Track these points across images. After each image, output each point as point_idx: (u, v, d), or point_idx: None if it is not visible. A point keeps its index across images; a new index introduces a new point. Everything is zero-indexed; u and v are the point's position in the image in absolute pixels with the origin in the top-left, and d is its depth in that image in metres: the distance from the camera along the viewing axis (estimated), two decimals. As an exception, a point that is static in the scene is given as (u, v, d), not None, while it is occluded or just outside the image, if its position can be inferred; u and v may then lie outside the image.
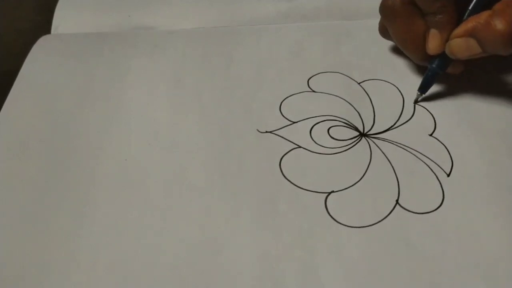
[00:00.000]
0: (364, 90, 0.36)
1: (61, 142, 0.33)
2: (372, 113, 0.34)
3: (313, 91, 0.36)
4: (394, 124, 0.33)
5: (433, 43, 0.33)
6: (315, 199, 0.29)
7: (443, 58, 0.33)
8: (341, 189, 0.30)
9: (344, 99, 0.35)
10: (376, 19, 0.36)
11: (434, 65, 0.34)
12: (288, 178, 0.30)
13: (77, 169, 0.31)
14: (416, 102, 0.35)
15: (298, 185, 0.30)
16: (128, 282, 0.26)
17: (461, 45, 0.31)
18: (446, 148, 0.32)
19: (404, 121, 0.34)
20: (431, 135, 0.33)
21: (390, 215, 0.29)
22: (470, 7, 0.32)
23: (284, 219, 0.28)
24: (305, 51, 0.39)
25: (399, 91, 0.35)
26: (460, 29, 0.31)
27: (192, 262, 0.27)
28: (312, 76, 0.37)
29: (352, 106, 0.35)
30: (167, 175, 0.31)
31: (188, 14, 0.43)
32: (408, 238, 0.27)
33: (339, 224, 0.28)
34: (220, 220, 0.29)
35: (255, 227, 0.28)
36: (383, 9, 0.34)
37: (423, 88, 0.34)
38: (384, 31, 0.36)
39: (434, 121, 0.33)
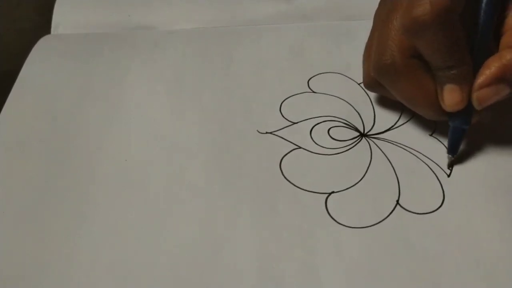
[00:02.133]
0: (364, 90, 0.36)
1: (61, 142, 0.33)
2: (372, 113, 0.34)
3: (313, 92, 0.36)
4: (394, 124, 0.33)
5: (453, 100, 0.28)
6: (316, 199, 0.29)
7: (465, 111, 0.29)
8: (341, 189, 0.30)
9: (344, 100, 0.35)
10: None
11: (456, 123, 0.30)
12: (288, 179, 0.30)
13: (77, 169, 0.31)
14: (450, 166, 0.31)
15: (299, 186, 0.30)
16: (128, 282, 0.26)
17: (490, 93, 0.28)
18: (446, 148, 0.32)
19: (404, 121, 0.34)
20: (431, 135, 0.33)
21: (391, 215, 0.29)
22: (475, 50, 0.28)
23: (284, 220, 0.28)
24: (305, 51, 0.39)
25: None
26: (485, 77, 0.27)
27: (192, 262, 0.27)
28: (312, 76, 0.37)
29: (352, 106, 0.35)
30: (167, 175, 0.31)
31: (188, 14, 0.43)
32: (408, 238, 0.27)
33: (339, 225, 0.28)
34: (220, 220, 0.29)
35: (255, 227, 0.28)
36: (381, 68, 0.30)
37: (453, 150, 0.31)
38: (372, 85, 0.33)
39: (435, 121, 0.33)
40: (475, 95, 0.28)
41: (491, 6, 0.28)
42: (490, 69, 0.27)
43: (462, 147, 0.31)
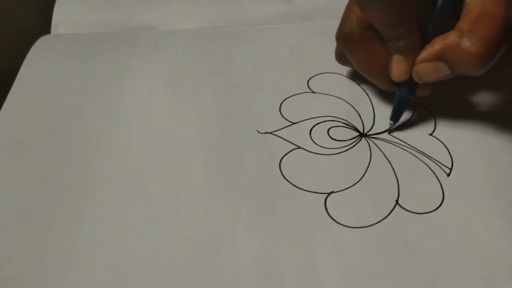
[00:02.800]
0: (364, 90, 0.36)
1: (60, 142, 0.33)
2: (372, 113, 0.34)
3: (313, 92, 0.36)
4: (394, 124, 0.33)
5: (398, 70, 0.31)
6: (315, 199, 0.29)
7: (410, 83, 0.31)
8: (341, 189, 0.30)
9: (344, 100, 0.35)
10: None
11: (402, 92, 0.32)
12: (288, 179, 0.30)
13: (76, 169, 0.31)
14: (390, 132, 0.33)
15: (298, 186, 0.30)
16: (127, 282, 0.26)
17: (429, 69, 0.29)
18: (446, 148, 0.32)
19: (404, 121, 0.34)
20: (431, 135, 0.33)
21: (390, 215, 0.29)
22: (429, 27, 0.29)
23: (284, 220, 0.28)
24: (305, 51, 0.39)
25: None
26: (427, 53, 0.29)
27: (192, 262, 0.27)
28: (312, 76, 0.37)
29: (352, 106, 0.35)
30: (166, 175, 0.31)
31: (188, 14, 0.43)
32: (408, 238, 0.27)
33: (339, 225, 0.28)
34: (220, 220, 0.29)
35: (255, 227, 0.28)
36: (341, 37, 0.32)
37: (395, 117, 0.33)
38: (341, 58, 0.34)
39: (434, 121, 0.33)
40: (415, 68, 0.30)
41: None
42: (433, 46, 0.29)
43: (461, 146, 0.31)
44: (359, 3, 0.30)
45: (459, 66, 0.28)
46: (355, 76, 0.37)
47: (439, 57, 0.29)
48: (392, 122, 0.33)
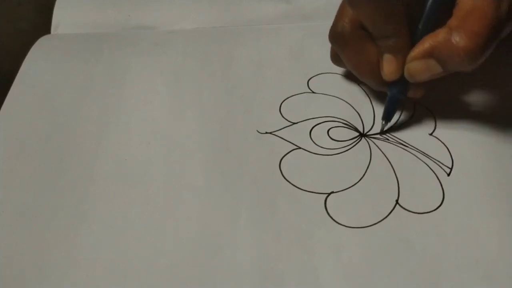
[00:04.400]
0: (364, 90, 0.36)
1: (60, 142, 0.33)
2: (372, 113, 0.34)
3: (313, 92, 0.36)
4: (394, 124, 0.33)
5: (389, 69, 0.30)
6: (315, 199, 0.29)
7: (402, 82, 0.31)
8: (341, 189, 0.30)
9: (344, 100, 0.35)
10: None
11: (393, 92, 0.32)
12: (288, 179, 0.30)
13: (76, 168, 0.31)
14: (382, 132, 0.33)
15: (298, 186, 0.30)
16: (127, 282, 0.26)
17: (420, 67, 0.29)
18: (447, 148, 0.32)
19: (404, 121, 0.34)
20: (431, 134, 0.33)
21: (390, 215, 0.29)
22: (420, 26, 0.30)
23: (284, 220, 0.28)
24: (305, 51, 0.39)
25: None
26: (417, 51, 0.29)
27: (192, 262, 0.27)
28: (312, 76, 0.37)
29: (352, 106, 0.35)
30: (166, 175, 0.31)
31: (188, 14, 0.43)
32: (408, 238, 0.27)
33: (338, 225, 0.28)
34: (220, 220, 0.29)
35: (255, 227, 0.28)
36: (333, 36, 0.32)
37: (387, 117, 0.32)
38: (336, 58, 0.35)
39: (434, 120, 0.33)
40: (406, 66, 0.30)
41: None
42: (424, 44, 0.29)
43: (461, 145, 0.31)
44: (349, 2, 0.30)
45: (449, 62, 0.28)
46: (355, 77, 0.36)
47: (429, 54, 0.28)
48: (383, 122, 0.33)
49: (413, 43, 0.30)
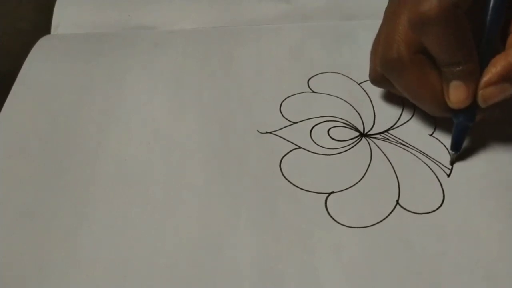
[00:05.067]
0: (364, 90, 0.36)
1: (61, 142, 0.33)
2: (372, 113, 0.34)
3: (313, 92, 0.36)
4: (394, 124, 0.33)
5: (459, 96, 0.28)
6: (315, 199, 0.29)
7: (469, 108, 0.29)
8: (341, 189, 0.30)
9: (344, 100, 0.35)
10: (376, 20, 0.35)
11: (460, 119, 0.30)
12: (288, 179, 0.30)
13: (77, 169, 0.31)
14: (453, 163, 0.31)
15: (298, 186, 0.30)
16: (127, 282, 0.26)
17: (494, 91, 0.28)
18: (447, 148, 0.32)
19: (404, 121, 0.34)
20: (431, 135, 0.33)
21: (390, 215, 0.28)
22: (481, 48, 0.28)
23: (284, 219, 0.28)
24: (305, 51, 0.39)
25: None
26: (491, 76, 0.27)
27: (192, 262, 0.27)
28: (312, 76, 0.37)
29: (352, 106, 0.35)
30: (167, 175, 0.31)
31: (188, 14, 0.43)
32: (408, 238, 0.27)
33: (339, 225, 0.28)
34: (220, 220, 0.29)
35: (255, 227, 0.28)
36: (387, 62, 0.30)
37: (457, 146, 0.31)
38: (379, 80, 0.33)
39: (435, 121, 0.33)
40: (480, 93, 0.28)
41: (500, 4, 0.28)
42: (496, 67, 0.27)
43: (463, 146, 0.31)
44: (415, 28, 0.28)
45: None
46: (355, 76, 0.37)
47: (505, 77, 0.27)
48: (453, 152, 0.31)
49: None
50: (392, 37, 0.29)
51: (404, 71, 0.29)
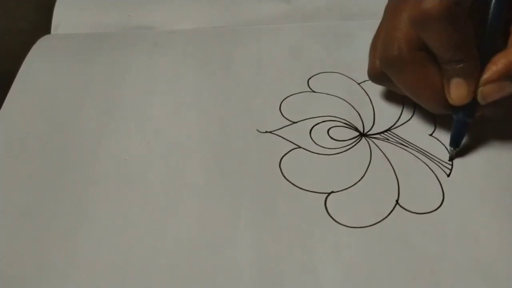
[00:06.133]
0: (364, 90, 0.36)
1: (60, 142, 0.33)
2: (372, 113, 0.34)
3: (313, 91, 0.36)
4: (394, 124, 0.33)
5: (459, 93, 0.29)
6: (315, 199, 0.29)
7: (469, 105, 0.29)
8: (341, 189, 0.30)
9: (344, 99, 0.35)
10: (376, 20, 0.35)
11: (460, 116, 0.30)
12: (288, 179, 0.30)
13: (76, 168, 0.31)
14: (451, 159, 0.31)
15: (298, 185, 0.30)
16: (127, 282, 0.26)
17: (494, 89, 0.28)
18: (446, 148, 0.32)
19: (404, 121, 0.34)
20: (431, 135, 0.33)
21: (390, 215, 0.29)
22: (482, 46, 0.28)
23: (284, 219, 0.28)
24: (305, 51, 0.39)
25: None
26: (491, 73, 0.28)
27: (192, 262, 0.27)
28: (312, 76, 0.37)
29: (352, 106, 0.35)
30: (166, 175, 0.31)
31: (188, 14, 0.43)
32: (408, 238, 0.27)
33: (338, 224, 0.28)
34: (220, 220, 0.29)
35: (255, 227, 0.28)
36: (387, 59, 0.30)
37: (456, 143, 0.31)
38: (378, 78, 0.33)
39: (434, 121, 0.33)
40: (480, 90, 0.28)
41: (501, 2, 0.28)
42: (496, 65, 0.28)
43: (462, 146, 0.31)
44: (417, 25, 0.28)
45: None
46: (355, 76, 0.37)
47: (505, 75, 0.27)
48: (452, 148, 0.31)
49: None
50: (392, 33, 0.29)
51: (404, 68, 0.29)
